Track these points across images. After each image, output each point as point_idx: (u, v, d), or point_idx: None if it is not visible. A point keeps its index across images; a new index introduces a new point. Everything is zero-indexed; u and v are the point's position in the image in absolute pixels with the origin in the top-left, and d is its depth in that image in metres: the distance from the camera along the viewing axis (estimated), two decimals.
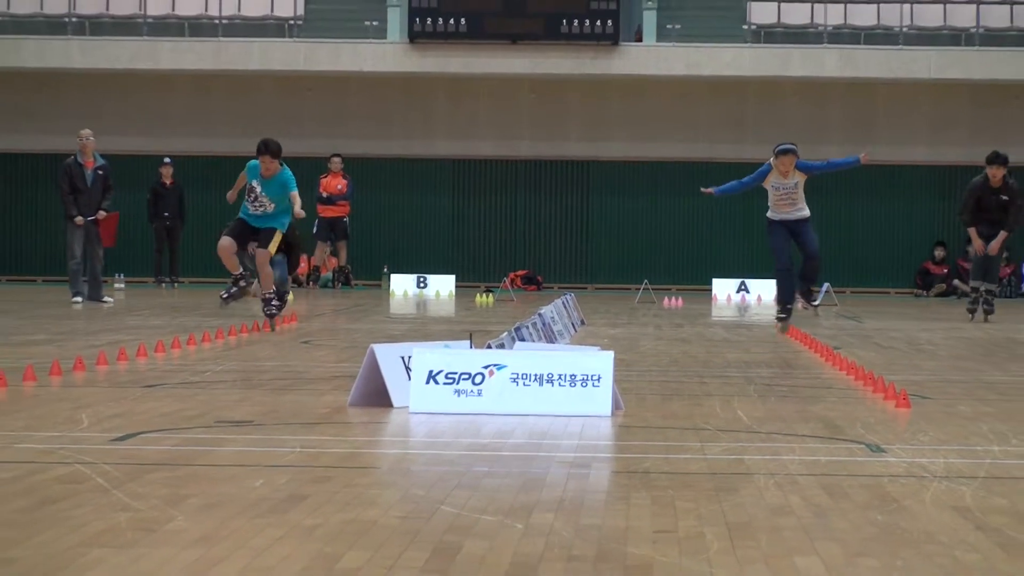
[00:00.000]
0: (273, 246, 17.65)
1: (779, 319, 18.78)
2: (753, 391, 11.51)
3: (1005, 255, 31.45)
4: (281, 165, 17.83)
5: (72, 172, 23.25)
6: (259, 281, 17.81)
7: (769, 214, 18.60)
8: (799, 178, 18.27)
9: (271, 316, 17.65)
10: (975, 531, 6.00)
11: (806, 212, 18.45)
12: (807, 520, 6.19)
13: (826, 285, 27.97)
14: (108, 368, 12.39)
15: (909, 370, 13.57)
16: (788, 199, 18.30)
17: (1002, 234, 20.85)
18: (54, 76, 32.01)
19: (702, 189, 19.50)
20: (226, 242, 17.66)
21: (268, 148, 17.73)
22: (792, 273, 18.71)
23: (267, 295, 17.60)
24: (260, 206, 17.71)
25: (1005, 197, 20.79)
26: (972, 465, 7.79)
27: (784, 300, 18.77)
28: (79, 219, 23.04)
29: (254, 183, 17.78)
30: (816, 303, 19.34)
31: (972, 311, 21.51)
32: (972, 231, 21.00)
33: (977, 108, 32.20)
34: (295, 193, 17.76)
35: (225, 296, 18.80)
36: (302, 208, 17.88)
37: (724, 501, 6.60)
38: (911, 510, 6.46)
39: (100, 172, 23.28)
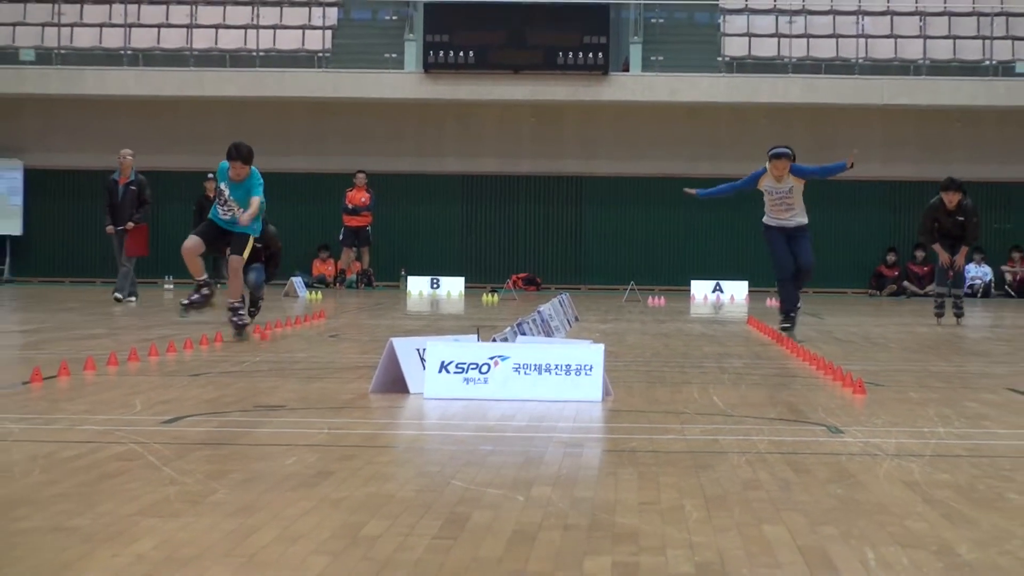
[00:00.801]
0: (246, 252, 15.02)
1: (783, 329, 16.21)
2: (727, 379, 11.50)
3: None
4: (251, 170, 15.10)
5: (109, 188, 23.50)
6: (228, 288, 15.21)
7: (765, 219, 16.36)
8: (794, 183, 16.11)
9: (239, 326, 14.92)
10: (923, 503, 6.00)
11: (804, 219, 16.29)
12: (775, 493, 6.18)
13: None
14: (158, 359, 12.40)
15: (865, 361, 13.56)
16: (783, 204, 16.11)
17: (963, 248, 19.71)
18: (112, 102, 32.02)
19: (685, 190, 17.34)
20: (192, 241, 14.85)
21: (239, 153, 15.03)
22: (790, 281, 16.48)
23: (234, 304, 14.97)
24: (228, 210, 14.95)
25: (961, 218, 19.48)
26: (920, 444, 7.79)
27: (788, 309, 16.43)
28: (108, 228, 23.26)
29: (223, 186, 15.10)
30: (797, 309, 16.66)
31: (939, 315, 19.93)
32: (936, 246, 19.76)
33: (923, 131, 32.16)
34: (256, 198, 14.92)
35: (186, 304, 15.41)
36: (252, 216, 14.96)
37: (701, 476, 6.60)
38: (866, 484, 6.46)
39: (132, 188, 23.36)
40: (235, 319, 14.89)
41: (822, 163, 18.46)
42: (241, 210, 14.82)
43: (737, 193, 17.15)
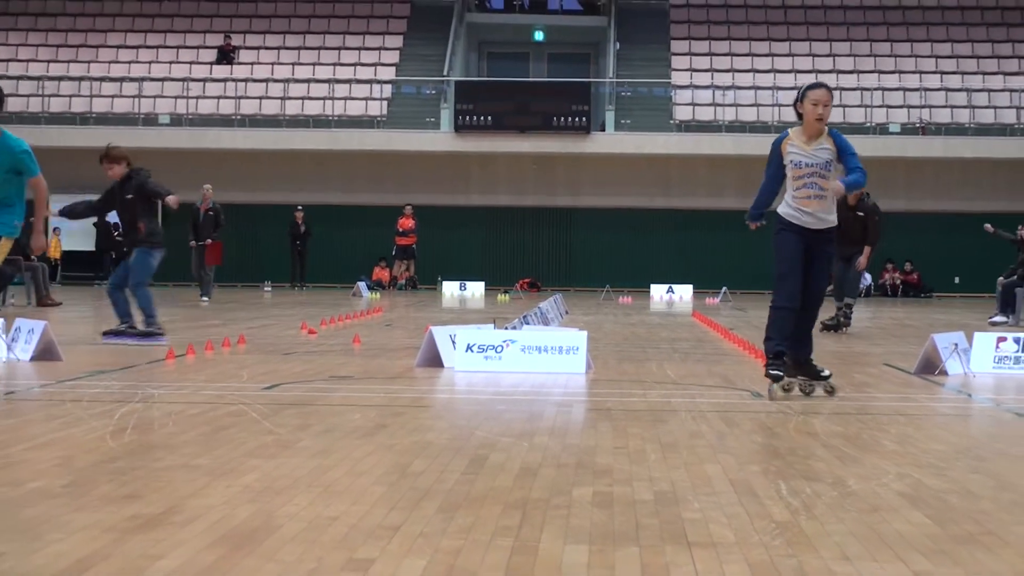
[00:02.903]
0: None
1: (771, 374, 8.03)
2: (677, 357, 11.49)
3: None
4: (2, 134, 8.29)
5: (193, 213, 23.07)
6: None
7: (783, 209, 8.19)
8: (832, 152, 7.90)
9: None
10: (822, 448, 5.99)
11: (834, 218, 8.10)
12: (712, 441, 6.17)
13: (724, 288, 27.93)
14: (260, 342, 12.40)
15: None
16: (815, 185, 7.91)
17: (867, 249, 15.14)
18: (225, 153, 32.06)
19: (750, 223, 8.80)
20: None
21: None
22: (794, 311, 8.09)
23: None
24: None
25: (861, 213, 15.04)
26: (819, 405, 7.77)
27: (776, 348, 8.06)
28: (192, 243, 22.88)
29: None
30: (825, 373, 8.17)
31: (831, 327, 15.11)
32: None
33: None
34: (38, 178, 8.33)
35: None
36: (45, 212, 8.62)
37: (659, 428, 6.59)
38: (780, 435, 6.45)
39: (210, 213, 23.01)
40: None
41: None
42: None
43: (775, 188, 8.32)
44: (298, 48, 34.75)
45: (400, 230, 30.54)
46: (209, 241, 22.92)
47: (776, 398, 7.96)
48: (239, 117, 32.26)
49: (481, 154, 32.18)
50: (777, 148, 8.09)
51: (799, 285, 8.05)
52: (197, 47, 34.80)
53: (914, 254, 31.79)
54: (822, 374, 8.19)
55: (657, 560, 3.70)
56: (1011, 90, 32.49)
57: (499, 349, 9.64)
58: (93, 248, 31.45)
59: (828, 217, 8.05)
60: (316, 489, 4.73)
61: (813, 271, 8.13)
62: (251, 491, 4.67)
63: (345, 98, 32.72)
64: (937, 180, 32.11)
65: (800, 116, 8.01)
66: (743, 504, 4.56)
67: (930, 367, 9.88)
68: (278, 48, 34.80)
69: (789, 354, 8.08)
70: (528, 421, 6.86)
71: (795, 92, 8.32)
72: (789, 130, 8.15)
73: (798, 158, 7.98)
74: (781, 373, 8.08)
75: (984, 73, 33.46)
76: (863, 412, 7.51)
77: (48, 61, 34.05)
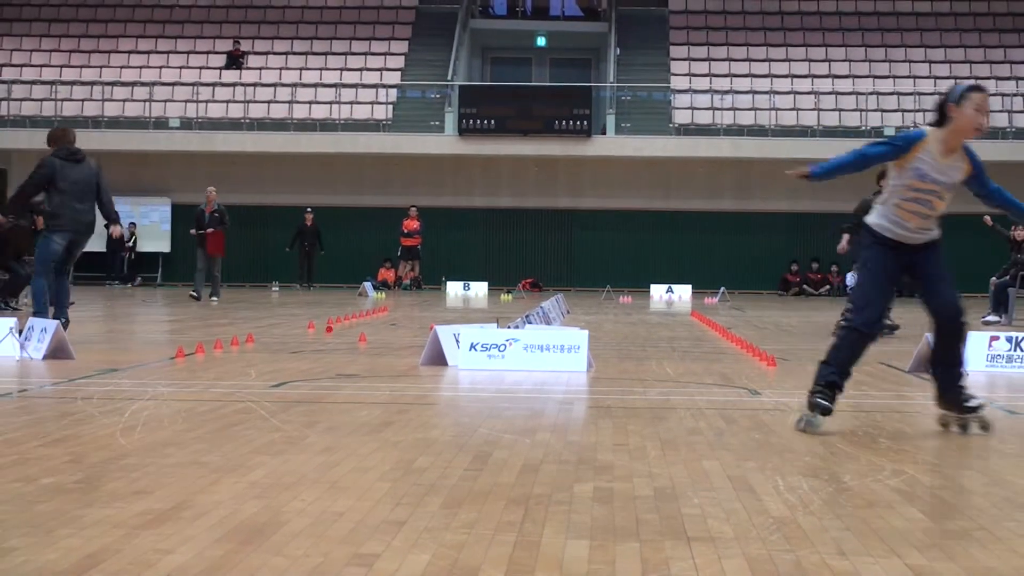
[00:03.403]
0: None
1: (812, 401, 6.45)
2: (676, 355, 11.48)
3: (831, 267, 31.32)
4: None
5: (198, 214, 23.13)
6: None
7: (875, 220, 6.52)
8: (965, 172, 6.47)
9: None
10: (818, 444, 5.98)
11: (937, 232, 6.52)
12: (711, 438, 6.16)
13: (722, 288, 27.92)
14: (267, 341, 12.40)
15: (776, 342, 13.53)
16: (928, 205, 6.38)
17: None
18: (234, 156, 32.07)
19: (792, 171, 6.66)
20: None
21: None
22: (872, 339, 6.47)
23: None
24: None
25: None
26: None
27: (829, 376, 6.49)
28: (192, 231, 22.83)
29: None
30: (973, 403, 6.43)
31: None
32: (846, 237, 14.78)
33: None
34: None
35: None
36: None
37: (658, 425, 6.58)
38: (777, 431, 6.43)
39: (215, 214, 23.07)
40: None
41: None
42: None
43: (862, 167, 6.63)
44: (305, 54, 34.77)
45: (405, 231, 30.53)
46: (211, 230, 22.79)
47: (805, 430, 6.34)
48: (248, 121, 32.27)
49: (484, 157, 32.18)
50: (908, 146, 6.37)
51: (879, 311, 6.44)
52: (207, 52, 34.82)
53: None
54: (967, 404, 6.43)
55: (657, 555, 3.69)
56: (1002, 94, 32.49)
57: (502, 348, 9.64)
58: (103, 249, 31.45)
59: (929, 233, 6.50)
60: (322, 485, 4.72)
61: (931, 286, 6.44)
62: (259, 487, 4.66)
63: (351, 102, 32.72)
64: None
65: (943, 119, 6.38)
66: (741, 500, 4.55)
67: (924, 366, 9.85)
68: (286, 54, 34.81)
69: (936, 386, 6.56)
70: (530, 418, 6.85)
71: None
72: (927, 130, 6.41)
73: (927, 170, 6.37)
74: (829, 404, 6.43)
75: (976, 78, 33.44)
76: (859, 409, 7.49)
77: (61, 66, 34.09)
